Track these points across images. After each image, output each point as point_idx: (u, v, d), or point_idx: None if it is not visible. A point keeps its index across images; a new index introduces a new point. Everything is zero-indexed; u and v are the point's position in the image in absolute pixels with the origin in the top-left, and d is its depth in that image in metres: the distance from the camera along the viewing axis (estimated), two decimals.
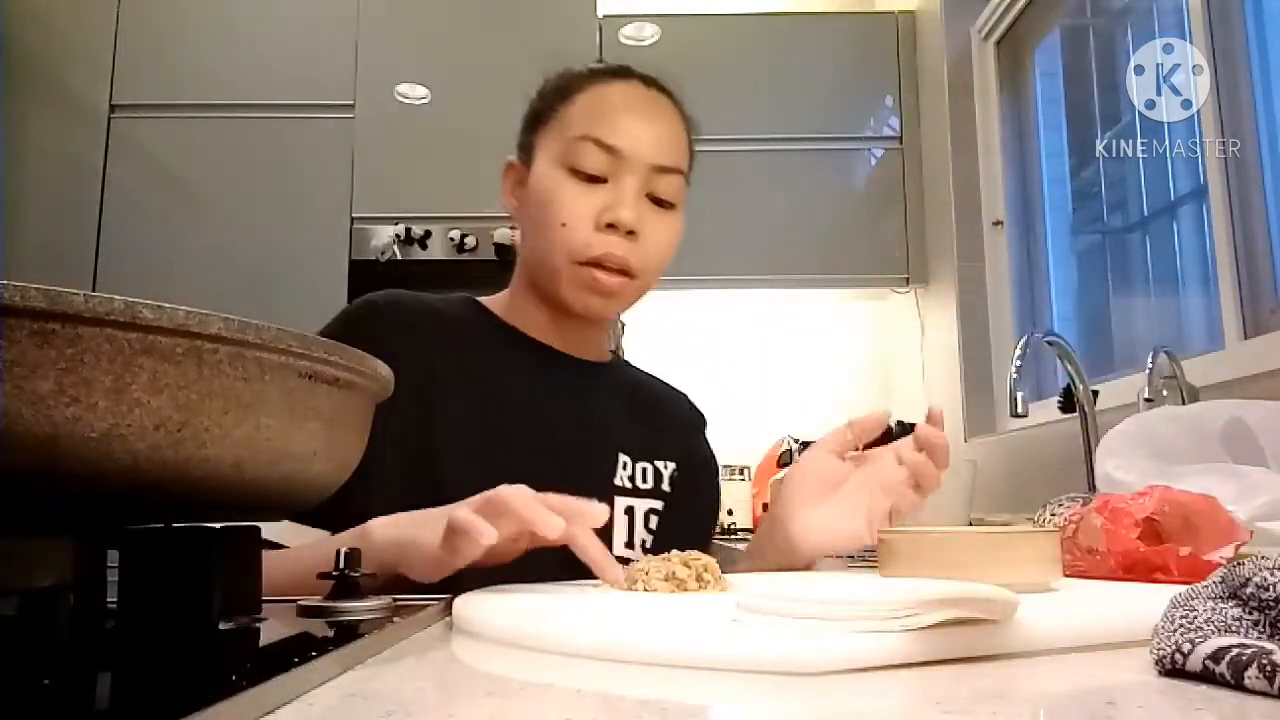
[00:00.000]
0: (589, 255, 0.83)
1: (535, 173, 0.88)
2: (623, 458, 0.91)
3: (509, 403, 0.86)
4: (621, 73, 0.91)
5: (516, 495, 0.57)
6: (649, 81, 0.91)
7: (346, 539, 0.66)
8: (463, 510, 0.57)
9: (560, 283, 0.85)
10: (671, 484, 0.93)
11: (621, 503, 0.89)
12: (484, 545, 0.55)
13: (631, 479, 0.91)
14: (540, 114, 0.90)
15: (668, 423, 0.99)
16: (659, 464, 0.93)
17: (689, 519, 0.94)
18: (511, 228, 2.47)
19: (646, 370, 1.05)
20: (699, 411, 1.05)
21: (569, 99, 0.88)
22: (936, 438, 0.76)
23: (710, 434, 1.05)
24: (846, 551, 0.73)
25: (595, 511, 0.59)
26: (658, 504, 0.92)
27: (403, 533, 0.64)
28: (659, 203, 0.86)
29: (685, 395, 1.05)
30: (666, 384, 1.05)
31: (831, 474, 0.82)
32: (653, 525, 0.91)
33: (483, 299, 0.95)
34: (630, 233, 0.83)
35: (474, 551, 0.56)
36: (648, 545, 0.90)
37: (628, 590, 0.57)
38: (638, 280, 0.86)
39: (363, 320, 0.86)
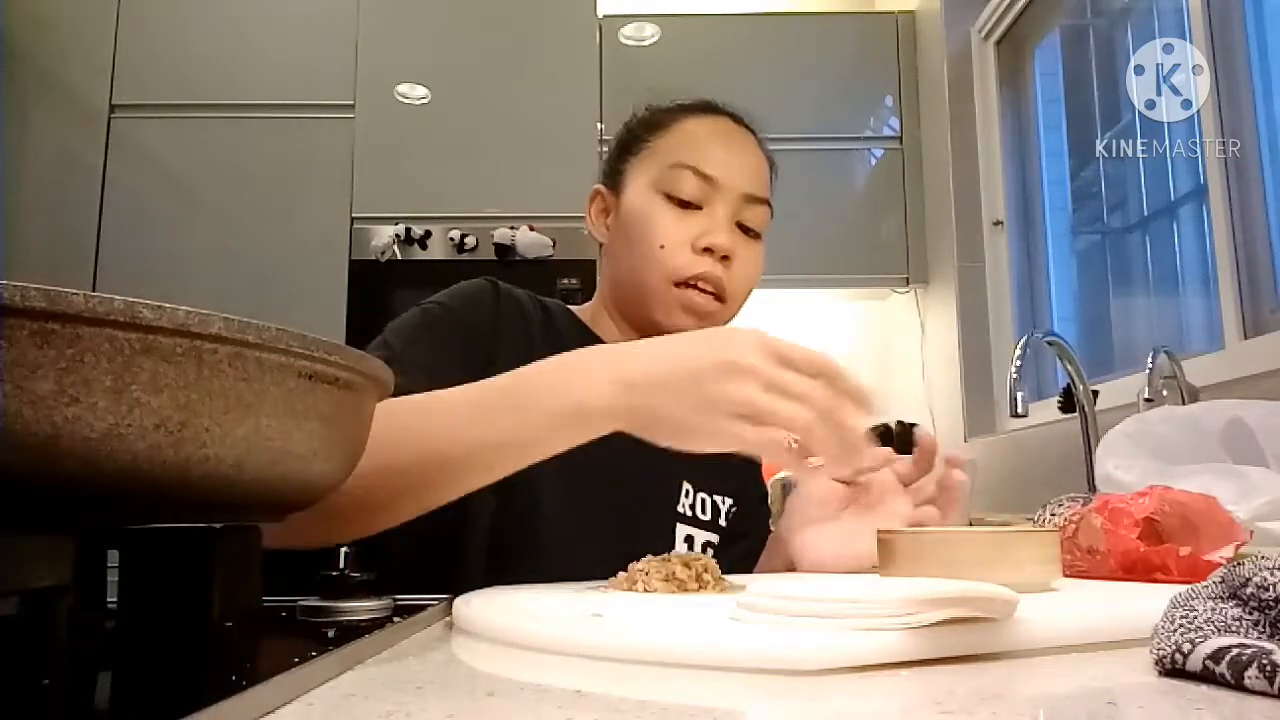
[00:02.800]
0: (686, 275, 0.85)
1: (628, 198, 0.91)
2: (686, 485, 0.92)
3: None
4: (710, 108, 0.95)
5: (826, 365, 0.56)
6: (737, 118, 0.95)
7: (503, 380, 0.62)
8: (758, 391, 0.55)
9: (654, 304, 0.87)
10: (727, 520, 0.94)
11: (682, 530, 0.90)
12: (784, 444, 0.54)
13: (692, 508, 0.92)
14: (630, 144, 0.94)
15: (727, 455, 0.98)
16: (717, 499, 0.94)
17: (738, 557, 0.93)
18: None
19: None
20: None
21: (662, 130, 0.92)
22: (959, 481, 0.76)
23: None
24: (852, 572, 0.72)
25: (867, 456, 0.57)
26: (714, 537, 0.93)
27: (639, 401, 0.60)
28: (747, 231, 0.89)
29: None
30: None
31: (831, 496, 0.80)
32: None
33: (573, 308, 0.97)
34: (725, 257, 0.86)
35: (758, 441, 0.55)
36: None
37: (628, 590, 0.57)
38: (728, 306, 0.88)
39: (482, 294, 0.88)
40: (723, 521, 0.94)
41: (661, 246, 0.86)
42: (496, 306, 0.88)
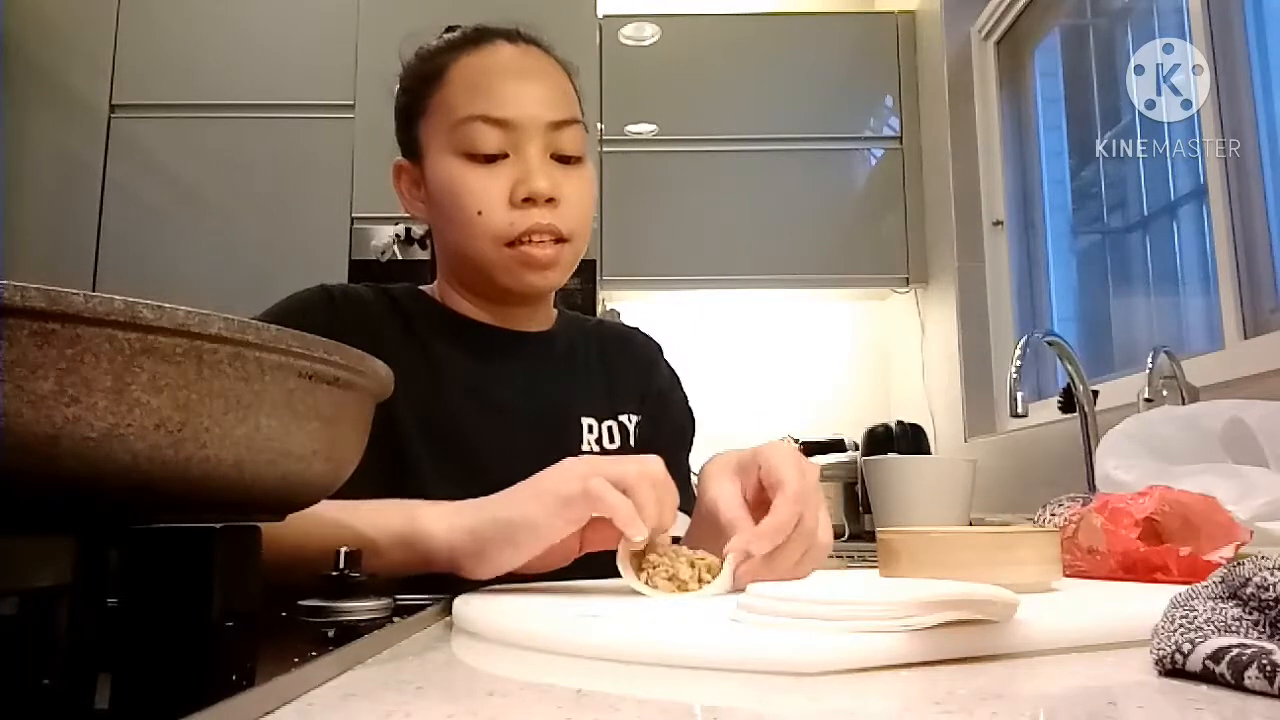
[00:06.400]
0: (515, 234, 0.81)
1: (431, 168, 0.85)
2: (586, 422, 0.89)
3: (464, 391, 0.85)
4: (481, 36, 0.88)
5: (647, 476, 0.58)
6: (512, 37, 0.88)
7: (394, 518, 0.63)
8: (607, 491, 0.56)
9: (494, 270, 0.83)
10: (637, 437, 0.92)
11: None
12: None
13: (599, 441, 0.90)
14: (413, 106, 0.88)
15: (623, 368, 0.97)
16: (623, 418, 0.92)
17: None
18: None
19: (589, 317, 1.03)
20: (652, 342, 1.03)
21: (439, 82, 0.85)
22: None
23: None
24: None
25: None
26: None
27: (501, 512, 0.60)
28: (565, 160, 0.84)
29: (636, 330, 1.04)
30: (614, 324, 1.04)
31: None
32: None
33: (423, 288, 0.93)
34: (550, 200, 0.81)
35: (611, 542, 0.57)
36: None
37: (636, 576, 0.57)
38: (572, 244, 0.84)
39: (311, 304, 0.85)
40: (633, 441, 0.91)
41: (479, 212, 0.81)
42: (331, 310, 0.84)
